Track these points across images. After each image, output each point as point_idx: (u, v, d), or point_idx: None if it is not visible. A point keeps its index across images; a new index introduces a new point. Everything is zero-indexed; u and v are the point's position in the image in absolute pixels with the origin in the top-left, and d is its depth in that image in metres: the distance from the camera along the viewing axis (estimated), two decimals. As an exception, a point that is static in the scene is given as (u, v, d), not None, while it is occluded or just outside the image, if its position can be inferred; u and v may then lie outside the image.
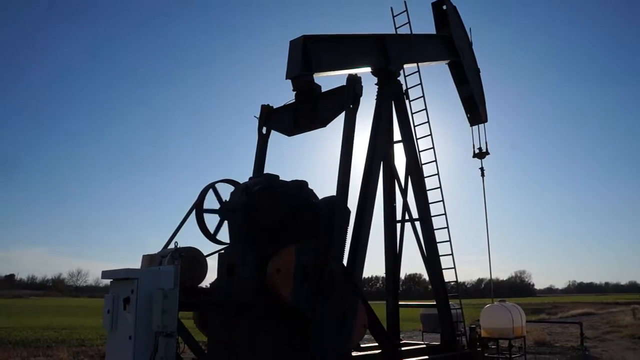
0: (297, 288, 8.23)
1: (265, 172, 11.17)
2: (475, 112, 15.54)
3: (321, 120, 10.70)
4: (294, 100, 10.98)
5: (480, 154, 15.59)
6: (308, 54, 10.24)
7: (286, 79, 10.48)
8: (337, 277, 8.74)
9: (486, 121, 15.70)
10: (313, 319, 8.25)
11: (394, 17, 12.66)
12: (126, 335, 6.48)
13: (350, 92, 9.85)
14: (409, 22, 12.52)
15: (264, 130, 11.57)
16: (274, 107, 11.63)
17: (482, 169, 15.72)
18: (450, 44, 14.65)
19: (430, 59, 13.89)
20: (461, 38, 15.13)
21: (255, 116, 11.55)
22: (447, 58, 14.56)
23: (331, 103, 10.44)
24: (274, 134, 11.58)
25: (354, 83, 9.91)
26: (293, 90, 10.63)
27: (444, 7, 14.80)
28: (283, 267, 8.21)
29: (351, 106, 9.83)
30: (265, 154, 11.51)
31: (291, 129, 11.26)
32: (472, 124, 15.78)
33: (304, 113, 10.94)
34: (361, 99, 10.27)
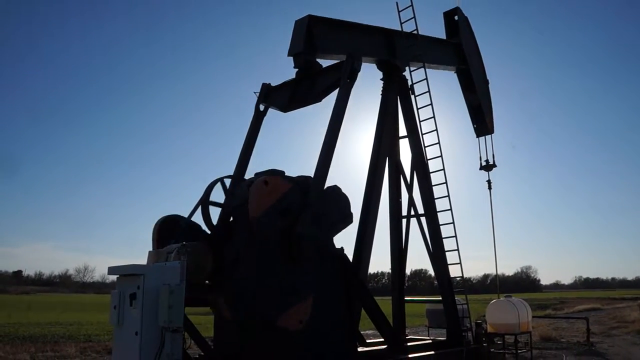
0: (270, 212, 7.97)
1: (254, 148, 11.22)
2: (482, 122, 15.34)
3: (316, 95, 10.71)
4: (294, 78, 11.03)
5: (487, 167, 15.28)
6: (312, 33, 10.28)
7: (288, 55, 10.52)
8: (307, 248, 8.16)
9: (492, 132, 15.50)
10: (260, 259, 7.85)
11: (399, 12, 12.59)
12: (132, 330, 6.51)
13: (349, 66, 9.81)
14: (414, 17, 12.46)
15: (262, 107, 11.58)
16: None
17: (489, 181, 15.39)
18: (459, 51, 14.61)
19: (438, 61, 13.80)
20: (471, 47, 15.06)
21: (255, 92, 11.59)
22: (455, 64, 14.49)
23: (328, 78, 10.45)
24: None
25: (354, 58, 9.89)
26: (294, 67, 10.64)
27: (456, 17, 14.82)
28: (273, 185, 8.01)
29: (348, 80, 9.77)
30: (258, 131, 11.47)
31: (286, 105, 11.32)
32: (478, 135, 15.56)
33: (301, 89, 10.98)
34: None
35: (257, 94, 11.59)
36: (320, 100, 10.76)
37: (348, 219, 9.27)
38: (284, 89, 11.42)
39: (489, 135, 15.46)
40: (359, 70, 10.04)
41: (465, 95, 15.26)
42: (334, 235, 9.02)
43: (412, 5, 12.47)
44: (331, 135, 9.34)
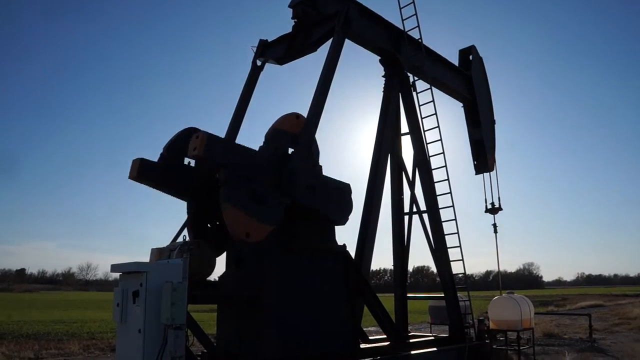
0: (282, 135, 8.46)
1: (249, 104, 11.21)
2: (482, 159, 15.18)
3: (311, 44, 10.77)
4: (290, 32, 11.10)
5: (493, 210, 14.90)
6: None
7: (289, 7, 10.65)
8: (298, 183, 8.27)
9: (492, 170, 15.28)
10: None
11: (400, 8, 12.54)
12: (136, 328, 6.52)
13: (343, 13, 9.87)
14: (415, 14, 12.41)
15: (259, 62, 11.60)
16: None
17: (495, 225, 14.97)
18: (467, 82, 14.73)
19: (441, 76, 13.79)
20: (481, 84, 15.16)
21: (252, 47, 11.62)
22: (460, 88, 14.56)
23: (324, 27, 10.51)
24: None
25: (349, 5, 9.99)
26: (292, 18, 10.74)
27: (470, 57, 14.97)
28: (301, 122, 8.68)
29: (342, 26, 9.83)
30: (254, 87, 11.44)
31: (283, 57, 11.37)
32: (477, 172, 15.38)
33: (298, 41, 11.09)
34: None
35: (254, 49, 11.63)
36: (315, 50, 10.84)
37: (339, 221, 9.20)
38: (281, 42, 11.51)
39: (495, 177, 15.12)
40: (353, 20, 10.17)
41: (469, 130, 15.29)
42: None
43: (413, 2, 12.44)
44: (324, 80, 9.38)
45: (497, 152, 15.73)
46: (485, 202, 15.08)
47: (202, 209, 8.87)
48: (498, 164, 15.59)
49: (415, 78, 12.71)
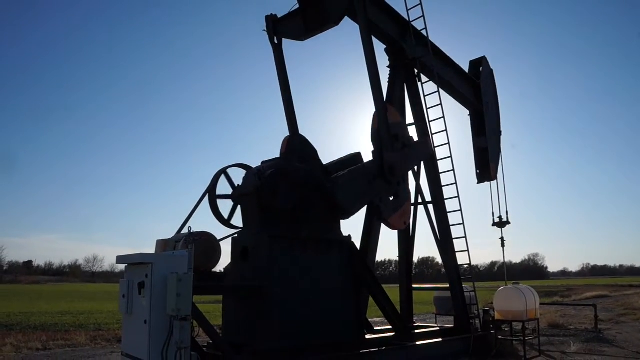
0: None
1: (288, 80, 11.35)
2: (486, 168, 15.15)
3: (332, 19, 10.70)
4: (298, 7, 11.13)
5: (501, 223, 14.71)
6: None
7: None
8: (396, 171, 10.31)
9: (494, 179, 15.19)
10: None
11: (405, -2, 12.43)
12: (142, 319, 6.53)
13: None
14: (420, 4, 12.32)
15: (276, 40, 11.56)
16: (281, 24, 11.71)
17: (502, 239, 14.73)
18: (476, 90, 14.74)
19: (450, 78, 13.77)
20: (489, 96, 15.16)
21: (263, 30, 11.59)
22: (468, 94, 14.54)
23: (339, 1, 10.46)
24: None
25: None
26: None
27: (481, 68, 15.02)
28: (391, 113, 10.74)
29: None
30: (285, 64, 11.46)
31: (302, 33, 11.28)
32: (479, 181, 15.32)
33: (312, 16, 10.97)
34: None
35: (266, 30, 11.59)
36: (337, 23, 10.78)
37: (346, 208, 9.60)
38: (293, 18, 11.39)
39: (503, 191, 14.96)
40: None
41: (474, 138, 15.31)
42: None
43: (418, -8, 12.33)
44: (372, 63, 10.31)
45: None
46: (493, 215, 14.78)
47: None
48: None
49: (421, 79, 12.63)
